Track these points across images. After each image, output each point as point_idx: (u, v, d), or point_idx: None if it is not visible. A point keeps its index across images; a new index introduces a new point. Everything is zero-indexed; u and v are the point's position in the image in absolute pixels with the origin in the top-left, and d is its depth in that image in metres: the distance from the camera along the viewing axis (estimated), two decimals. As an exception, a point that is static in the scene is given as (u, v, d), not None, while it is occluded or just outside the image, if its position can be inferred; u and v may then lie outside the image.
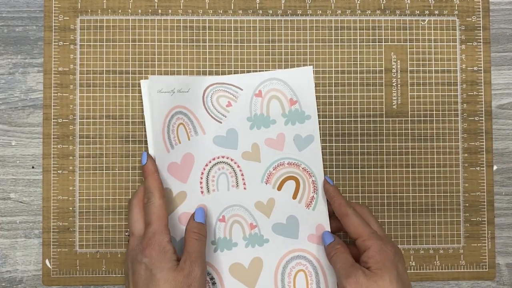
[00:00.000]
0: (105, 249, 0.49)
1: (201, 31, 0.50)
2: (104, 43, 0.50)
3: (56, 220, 0.49)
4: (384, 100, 0.50)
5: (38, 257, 0.49)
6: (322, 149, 0.49)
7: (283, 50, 0.50)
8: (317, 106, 0.49)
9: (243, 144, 0.49)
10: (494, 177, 0.50)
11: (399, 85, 0.50)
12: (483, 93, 0.50)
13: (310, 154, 0.48)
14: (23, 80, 0.50)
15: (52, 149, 0.49)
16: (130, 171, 0.49)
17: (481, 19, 0.50)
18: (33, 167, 0.49)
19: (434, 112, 0.50)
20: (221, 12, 0.50)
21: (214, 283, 0.47)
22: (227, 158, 0.48)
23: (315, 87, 0.49)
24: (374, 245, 0.42)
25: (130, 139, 0.49)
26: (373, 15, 0.50)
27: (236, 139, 0.49)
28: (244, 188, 0.48)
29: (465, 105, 0.50)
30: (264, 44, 0.50)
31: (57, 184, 0.49)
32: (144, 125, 0.49)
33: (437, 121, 0.50)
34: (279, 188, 0.48)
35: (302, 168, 0.48)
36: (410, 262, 0.49)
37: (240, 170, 0.48)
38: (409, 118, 0.50)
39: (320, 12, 0.50)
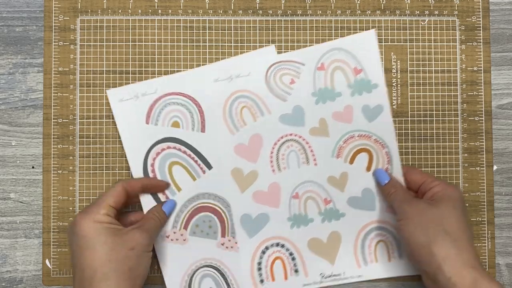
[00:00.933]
0: (105, 249, 0.49)
1: (201, 31, 0.50)
2: (104, 43, 0.50)
3: (56, 220, 0.49)
4: (384, 100, 0.50)
5: (38, 257, 0.49)
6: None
7: (283, 50, 0.50)
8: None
9: (310, 120, 0.49)
10: (494, 177, 0.50)
11: (399, 85, 0.50)
12: (483, 93, 0.50)
13: (380, 124, 0.48)
14: (23, 80, 0.50)
15: (52, 149, 0.49)
16: (130, 171, 0.49)
17: (481, 19, 0.50)
18: (33, 167, 0.49)
19: (434, 112, 0.50)
20: (221, 12, 0.50)
21: (293, 259, 0.48)
22: (295, 135, 0.48)
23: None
24: (440, 184, 0.44)
25: (130, 139, 0.49)
26: (373, 15, 0.50)
27: (302, 115, 0.49)
28: (315, 164, 0.48)
29: (465, 105, 0.50)
30: (264, 44, 0.50)
31: (57, 184, 0.49)
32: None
33: (437, 121, 0.50)
34: (351, 162, 0.48)
35: (374, 140, 0.48)
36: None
37: (309, 147, 0.48)
38: (409, 118, 0.50)
39: (320, 12, 0.50)
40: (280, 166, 0.48)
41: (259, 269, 0.48)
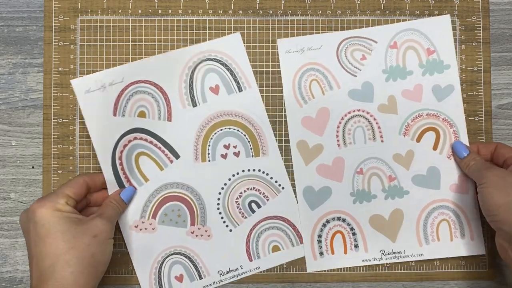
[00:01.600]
0: (105, 249, 0.49)
1: (201, 31, 0.50)
2: (104, 43, 0.50)
3: (56, 220, 0.49)
4: (384, 100, 0.50)
5: (38, 257, 0.49)
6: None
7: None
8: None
9: (379, 97, 0.49)
10: (494, 177, 0.50)
11: (399, 85, 0.50)
12: (483, 93, 0.50)
13: (450, 104, 0.48)
14: (23, 80, 0.50)
15: (52, 149, 0.49)
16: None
17: (481, 19, 0.50)
18: (33, 167, 0.49)
19: (434, 112, 0.50)
20: (221, 12, 0.50)
21: (354, 234, 0.49)
22: (363, 111, 0.49)
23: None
24: None
25: (130, 139, 0.49)
26: (373, 15, 0.50)
27: (371, 92, 0.49)
28: (382, 141, 0.49)
29: (465, 105, 0.50)
30: (264, 44, 0.50)
31: (57, 184, 0.49)
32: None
33: (437, 121, 0.50)
34: (418, 140, 0.49)
35: (442, 119, 0.49)
36: (410, 262, 0.49)
37: (377, 123, 0.49)
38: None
39: (320, 12, 0.50)
40: (346, 141, 0.49)
41: (319, 241, 0.48)
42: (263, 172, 0.49)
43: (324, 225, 0.48)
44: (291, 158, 0.49)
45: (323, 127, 0.49)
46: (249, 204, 0.49)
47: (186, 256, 0.48)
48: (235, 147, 0.48)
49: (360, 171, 0.49)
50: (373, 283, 0.49)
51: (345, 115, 0.49)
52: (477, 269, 0.49)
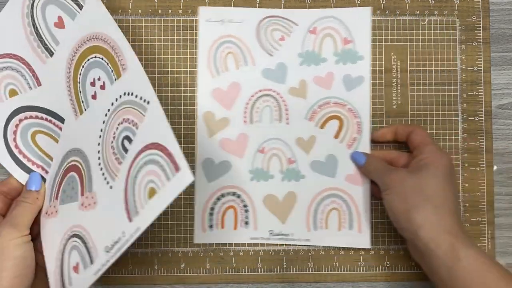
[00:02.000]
0: (105, 249, 0.49)
1: (201, 31, 0.50)
2: (104, 43, 0.49)
3: (56, 220, 0.49)
4: (384, 100, 0.50)
5: (38, 257, 0.49)
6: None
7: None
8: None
9: (291, 79, 0.49)
10: (494, 177, 0.50)
11: (399, 85, 0.50)
12: (483, 93, 0.50)
13: (358, 95, 0.49)
14: (23, 80, 0.50)
15: (52, 149, 0.49)
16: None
17: (481, 19, 0.50)
18: (33, 167, 0.49)
19: (434, 112, 0.50)
20: (221, 12, 0.50)
21: (246, 211, 0.49)
22: (274, 91, 0.49)
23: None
24: (429, 150, 0.43)
25: (130, 139, 0.49)
26: (373, 15, 0.50)
27: (284, 73, 0.49)
28: (287, 123, 0.49)
29: (465, 105, 0.50)
30: (264, 44, 0.50)
31: (57, 184, 0.49)
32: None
33: (437, 121, 0.50)
34: (322, 126, 0.49)
35: (348, 109, 0.49)
36: (410, 262, 0.49)
37: (285, 105, 0.49)
38: (409, 118, 0.50)
39: (320, 12, 0.50)
40: (253, 118, 0.49)
41: (211, 214, 0.48)
42: (128, 94, 0.41)
43: (218, 199, 0.48)
44: (195, 128, 0.49)
45: (232, 102, 0.49)
46: (122, 143, 0.40)
47: (79, 237, 0.41)
48: (99, 79, 0.43)
49: (262, 150, 0.49)
50: (373, 283, 0.49)
51: (256, 93, 0.49)
52: (477, 269, 0.49)
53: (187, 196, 0.49)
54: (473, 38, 0.50)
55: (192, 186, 0.48)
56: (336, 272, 0.49)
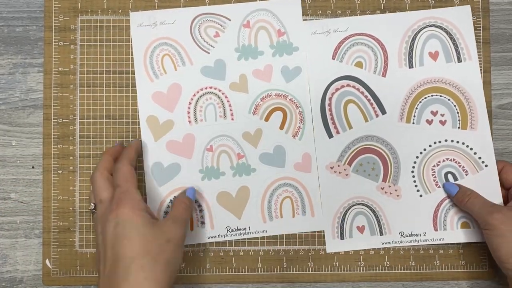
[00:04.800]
0: (105, 249, 0.49)
1: (201, 31, 0.50)
2: (104, 43, 0.50)
3: (56, 220, 0.49)
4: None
5: (38, 257, 0.49)
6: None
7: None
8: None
9: (231, 75, 0.49)
10: (494, 177, 0.50)
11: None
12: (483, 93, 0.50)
13: (297, 85, 0.49)
14: (23, 80, 0.50)
15: (52, 149, 0.49)
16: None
17: (481, 19, 0.50)
18: (33, 167, 0.49)
19: (434, 112, 0.50)
20: (221, 12, 0.50)
21: (201, 210, 0.49)
22: (215, 88, 0.49)
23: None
24: None
25: (130, 139, 0.49)
26: (374, 14, 0.50)
27: (224, 69, 0.49)
28: (232, 119, 0.49)
29: (465, 105, 0.50)
30: (264, 44, 0.50)
31: (57, 184, 0.49)
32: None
33: (438, 121, 0.50)
34: (267, 119, 0.49)
35: (289, 99, 0.49)
36: (410, 262, 0.49)
37: (228, 101, 0.49)
38: (410, 118, 0.50)
39: (320, 12, 0.50)
40: (197, 117, 0.49)
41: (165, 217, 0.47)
42: (467, 146, 0.48)
43: (171, 201, 0.48)
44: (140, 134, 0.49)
45: (174, 103, 0.49)
46: (446, 174, 0.49)
47: (371, 209, 0.49)
48: (442, 115, 0.49)
49: (210, 148, 0.49)
50: (373, 283, 0.49)
51: (197, 92, 0.49)
52: (477, 269, 0.49)
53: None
54: (473, 38, 0.50)
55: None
56: (336, 272, 0.49)
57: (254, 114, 0.49)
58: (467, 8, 0.49)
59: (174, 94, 0.49)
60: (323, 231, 0.49)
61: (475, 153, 0.48)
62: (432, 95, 0.49)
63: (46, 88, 0.49)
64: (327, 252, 0.49)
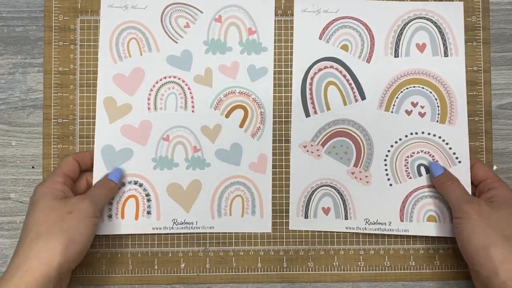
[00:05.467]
0: (105, 249, 0.49)
1: (201, 31, 0.50)
2: (104, 43, 0.50)
3: (56, 220, 0.49)
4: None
5: (38, 257, 0.49)
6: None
7: (283, 50, 0.50)
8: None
9: (196, 67, 0.49)
10: (494, 177, 0.50)
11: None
12: (483, 93, 0.50)
13: (262, 85, 0.49)
14: (23, 80, 0.50)
15: (52, 149, 0.49)
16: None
17: (481, 19, 0.50)
18: (33, 167, 0.49)
19: (434, 112, 0.50)
20: (221, 12, 0.50)
21: (149, 200, 0.48)
22: (179, 79, 0.49)
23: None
24: (502, 187, 0.44)
25: (130, 139, 0.49)
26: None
27: (190, 61, 0.49)
28: (193, 111, 0.49)
29: (465, 105, 0.50)
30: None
31: (57, 184, 0.49)
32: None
33: (438, 121, 0.50)
34: (227, 116, 0.49)
35: (252, 99, 0.49)
36: (410, 262, 0.49)
37: (191, 93, 0.49)
38: (409, 118, 0.50)
39: (320, 12, 0.50)
40: (157, 105, 0.49)
41: (110, 203, 0.48)
42: (443, 140, 0.48)
43: (119, 188, 0.48)
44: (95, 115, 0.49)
45: (135, 88, 0.49)
46: (418, 166, 0.48)
47: (339, 192, 0.49)
48: (422, 107, 0.49)
49: (167, 137, 0.49)
50: (373, 283, 0.49)
51: (160, 80, 0.49)
52: (477, 269, 0.49)
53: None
54: (473, 38, 0.50)
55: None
56: (336, 272, 0.49)
57: (215, 109, 0.49)
58: (460, 5, 0.49)
59: (136, 78, 0.49)
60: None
61: (450, 148, 0.48)
62: (414, 86, 0.49)
63: (46, 88, 0.49)
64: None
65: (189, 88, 0.49)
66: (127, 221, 0.48)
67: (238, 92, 0.49)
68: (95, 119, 0.49)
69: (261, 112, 0.49)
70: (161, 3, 0.49)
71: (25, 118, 0.50)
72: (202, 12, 0.49)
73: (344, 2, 0.49)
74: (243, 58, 0.49)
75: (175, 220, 0.48)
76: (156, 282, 0.49)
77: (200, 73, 0.49)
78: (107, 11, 0.49)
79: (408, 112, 0.49)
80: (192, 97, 0.49)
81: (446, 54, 0.49)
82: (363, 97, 0.49)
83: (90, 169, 0.48)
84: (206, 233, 0.49)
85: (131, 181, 0.48)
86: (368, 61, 0.49)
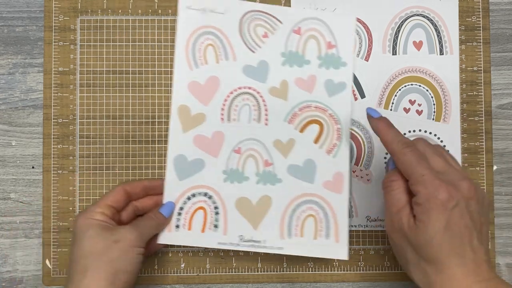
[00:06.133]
0: (105, 249, 0.49)
1: (201, 31, 0.50)
2: (104, 43, 0.50)
3: (56, 220, 0.49)
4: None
5: (38, 257, 0.49)
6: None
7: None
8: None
9: (272, 79, 0.48)
10: (494, 177, 0.50)
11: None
12: (483, 93, 0.50)
13: (339, 101, 0.48)
14: (23, 80, 0.50)
15: (52, 149, 0.49)
16: (130, 171, 0.49)
17: (481, 19, 0.50)
18: (33, 167, 0.49)
19: (434, 112, 0.50)
20: (221, 12, 0.50)
21: (217, 213, 0.47)
22: (254, 90, 0.48)
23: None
24: (421, 191, 0.37)
25: (130, 139, 0.49)
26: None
27: (266, 72, 0.48)
28: (266, 124, 0.47)
29: (465, 105, 0.50)
30: (264, 44, 0.50)
31: (57, 184, 0.49)
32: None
33: (437, 121, 0.50)
34: (302, 130, 0.47)
35: (329, 114, 0.48)
36: (410, 262, 0.49)
37: (265, 105, 0.47)
38: (409, 118, 0.50)
39: (320, 12, 0.50)
40: (231, 116, 0.47)
41: (179, 214, 0.47)
42: (438, 138, 0.48)
43: (189, 198, 0.47)
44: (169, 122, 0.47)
45: (210, 97, 0.47)
46: None
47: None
48: (419, 105, 0.49)
49: (238, 150, 0.47)
50: (373, 283, 0.49)
51: (235, 90, 0.47)
52: (477, 269, 0.49)
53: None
54: (473, 38, 0.50)
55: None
56: (336, 272, 0.49)
57: (289, 123, 0.47)
58: (455, 2, 0.49)
59: (211, 87, 0.47)
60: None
61: (444, 146, 0.49)
62: (412, 84, 0.49)
63: (46, 88, 0.49)
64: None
65: (263, 100, 0.47)
66: (193, 233, 0.46)
67: (314, 107, 0.48)
68: (95, 119, 0.49)
69: (337, 128, 0.47)
70: (240, 9, 0.48)
71: (25, 118, 0.50)
72: (281, 23, 0.48)
73: (340, 0, 0.49)
74: (321, 72, 0.48)
75: (242, 237, 0.46)
76: (156, 282, 0.49)
77: (275, 85, 0.48)
78: (185, 13, 0.47)
79: (406, 110, 0.49)
80: (266, 110, 0.47)
81: (441, 52, 0.49)
82: (362, 95, 0.49)
83: (140, 198, 0.46)
84: (274, 254, 0.47)
85: (201, 193, 0.47)
86: (367, 59, 0.49)
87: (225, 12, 0.47)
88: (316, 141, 0.47)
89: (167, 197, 0.46)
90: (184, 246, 0.49)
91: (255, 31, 0.48)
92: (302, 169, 0.47)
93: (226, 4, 0.48)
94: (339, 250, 0.46)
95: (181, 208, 0.47)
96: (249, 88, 0.48)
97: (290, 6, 0.50)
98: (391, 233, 0.39)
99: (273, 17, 0.48)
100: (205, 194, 0.47)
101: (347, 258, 0.46)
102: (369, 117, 0.42)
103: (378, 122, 0.41)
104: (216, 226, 0.47)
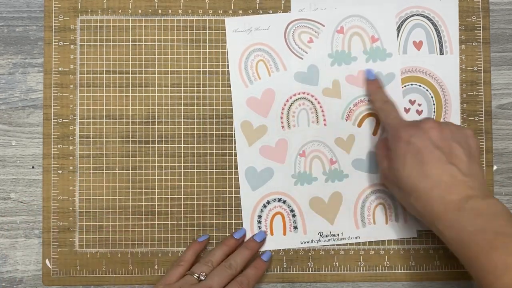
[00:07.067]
0: (105, 249, 0.49)
1: (201, 31, 0.50)
2: (104, 43, 0.50)
3: (56, 220, 0.49)
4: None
5: (38, 257, 0.49)
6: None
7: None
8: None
9: (323, 81, 0.49)
10: (494, 177, 0.50)
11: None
12: (483, 93, 0.50)
13: (390, 91, 0.48)
14: (23, 80, 0.50)
15: (52, 149, 0.49)
16: (130, 171, 0.49)
17: (481, 19, 0.50)
18: (33, 167, 0.50)
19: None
20: (221, 12, 0.50)
21: (294, 216, 0.49)
22: (308, 94, 0.49)
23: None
24: (389, 135, 0.44)
25: (130, 139, 0.49)
26: None
27: (317, 75, 0.49)
28: (324, 124, 0.49)
29: (465, 105, 0.50)
30: (264, 44, 0.50)
31: (57, 184, 0.49)
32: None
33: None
34: (359, 125, 0.49)
35: None
36: (410, 262, 0.49)
37: (321, 107, 0.49)
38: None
39: (320, 12, 0.50)
40: (290, 123, 0.49)
41: (259, 222, 0.49)
42: None
43: (264, 206, 0.49)
44: (234, 140, 0.49)
45: (267, 109, 0.49)
46: None
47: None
48: (419, 105, 0.49)
49: (303, 153, 0.49)
50: (373, 283, 0.49)
51: (290, 97, 0.49)
52: (477, 269, 0.49)
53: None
54: (473, 38, 0.50)
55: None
56: (336, 272, 0.49)
57: (347, 120, 0.49)
58: (455, 2, 0.49)
59: (267, 99, 0.49)
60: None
61: None
62: (412, 84, 0.49)
63: (46, 88, 0.49)
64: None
65: (318, 102, 0.49)
66: (276, 237, 0.49)
67: (368, 100, 0.49)
68: (95, 119, 0.49)
69: None
70: (283, 21, 0.49)
71: (25, 118, 0.50)
72: (323, 26, 0.49)
73: (341, 2, 0.49)
74: (369, 66, 0.49)
75: (321, 233, 0.49)
76: (156, 282, 0.49)
77: (328, 86, 0.49)
78: (233, 37, 0.49)
79: (407, 110, 0.49)
80: (322, 111, 0.49)
81: (441, 52, 0.49)
82: None
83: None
84: (353, 243, 0.49)
85: (275, 199, 0.49)
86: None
87: (269, 27, 0.49)
88: (374, 133, 0.49)
89: (244, 210, 0.49)
90: (184, 246, 0.49)
91: (300, 38, 0.49)
92: (365, 162, 0.49)
93: (269, 20, 0.50)
94: (408, 230, 0.49)
95: (259, 217, 0.49)
96: (303, 93, 0.49)
97: (290, 6, 0.50)
98: (385, 184, 0.46)
99: (315, 21, 0.49)
100: (279, 200, 0.49)
101: (416, 235, 0.49)
102: (365, 79, 0.48)
103: (369, 83, 0.48)
104: (295, 227, 0.49)
